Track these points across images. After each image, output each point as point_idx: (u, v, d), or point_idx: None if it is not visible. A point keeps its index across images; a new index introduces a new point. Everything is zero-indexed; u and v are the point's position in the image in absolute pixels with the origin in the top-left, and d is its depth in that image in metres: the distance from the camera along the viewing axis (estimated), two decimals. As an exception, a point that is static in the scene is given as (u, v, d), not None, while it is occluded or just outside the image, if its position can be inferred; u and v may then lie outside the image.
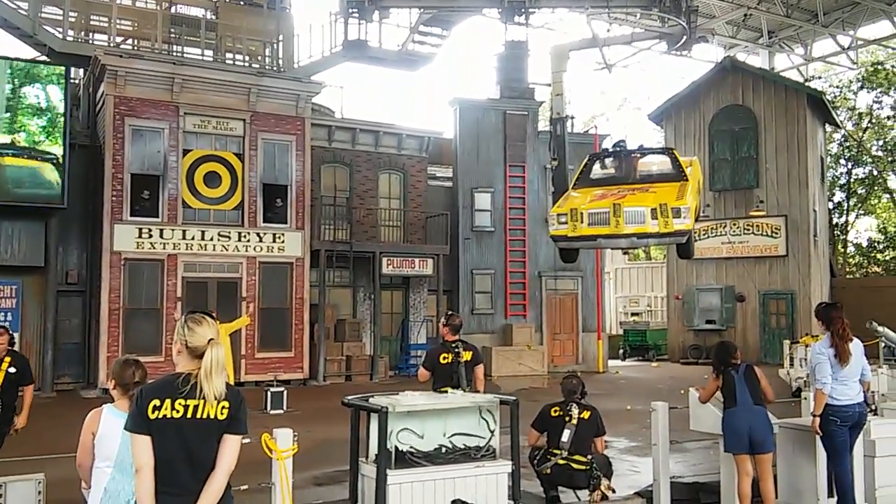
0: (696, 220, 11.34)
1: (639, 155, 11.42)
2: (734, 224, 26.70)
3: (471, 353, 7.07)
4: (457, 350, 6.96)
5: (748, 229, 26.47)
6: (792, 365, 17.44)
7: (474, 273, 22.88)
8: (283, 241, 18.93)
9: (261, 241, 18.68)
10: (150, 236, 17.42)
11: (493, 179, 23.38)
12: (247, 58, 21.32)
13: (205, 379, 3.11)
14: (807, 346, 15.32)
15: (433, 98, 51.63)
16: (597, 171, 11.71)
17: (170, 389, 3.10)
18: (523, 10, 21.37)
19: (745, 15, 30.32)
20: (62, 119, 16.89)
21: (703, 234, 27.19)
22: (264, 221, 18.85)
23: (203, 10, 21.33)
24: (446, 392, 6.16)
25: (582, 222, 10.53)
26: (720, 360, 6.50)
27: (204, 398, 3.09)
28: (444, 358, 6.97)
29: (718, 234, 27.01)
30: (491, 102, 24.19)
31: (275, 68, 21.32)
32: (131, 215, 17.33)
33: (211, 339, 3.17)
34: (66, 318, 17.55)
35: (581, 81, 53.45)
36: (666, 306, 29.30)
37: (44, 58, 18.38)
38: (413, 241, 21.64)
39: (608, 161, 11.72)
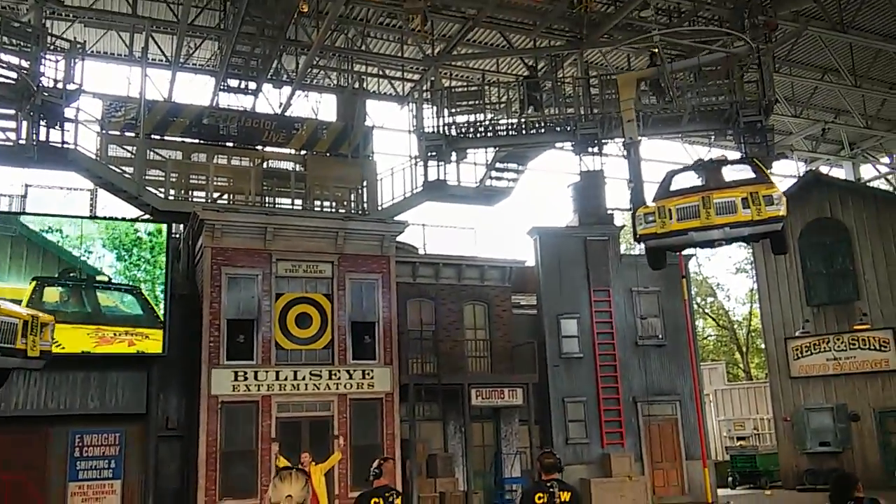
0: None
1: (719, 165, 11.34)
2: (838, 339, 25.47)
3: (569, 493, 6.73)
4: (552, 490, 6.72)
5: (853, 344, 25.17)
6: (922, 488, 15.98)
7: (566, 401, 22.34)
8: (372, 378, 19.13)
9: (351, 378, 18.94)
10: (246, 379, 17.94)
11: (578, 305, 23.24)
12: (333, 203, 22.47)
13: None
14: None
15: (512, 228, 52.60)
16: (677, 184, 11.63)
17: None
18: (595, 142, 22.05)
19: (824, 129, 30.19)
20: (164, 273, 17.99)
21: (806, 352, 26.02)
22: (354, 358, 19.16)
23: (292, 163, 22.80)
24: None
25: (671, 218, 10.37)
26: (839, 498, 5.71)
27: None
28: (539, 498, 6.72)
29: (822, 350, 25.77)
30: (570, 230, 24.47)
31: (360, 211, 22.34)
32: (227, 359, 17.95)
33: (288, 496, 3.45)
34: (165, 463, 17.95)
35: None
36: (774, 428, 27.65)
37: (147, 216, 19.84)
38: (501, 371, 21.47)
39: (687, 175, 11.68)
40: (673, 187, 11.63)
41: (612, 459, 21.52)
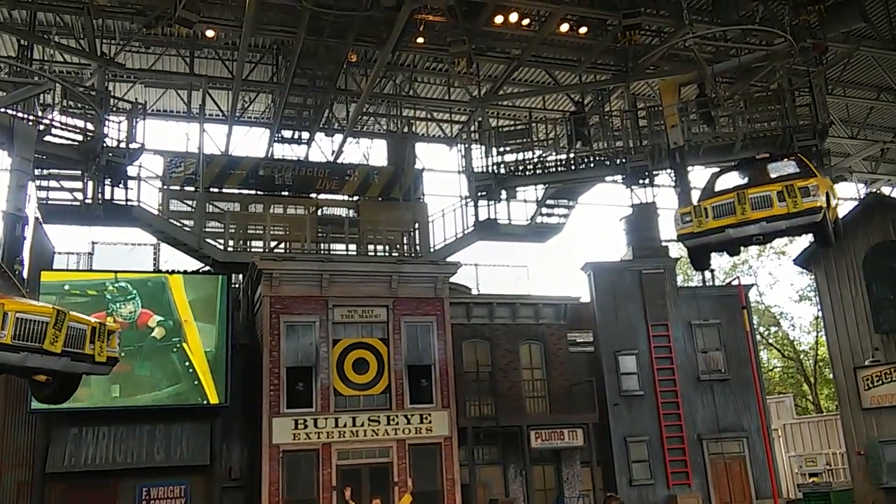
0: (834, 214, 11.16)
1: (762, 161, 11.46)
2: (911, 367, 24.40)
3: None
4: None
5: (928, 372, 24.08)
6: None
7: (628, 441, 21.87)
8: (430, 422, 19.06)
9: (409, 422, 18.90)
10: (306, 427, 18.06)
11: (636, 341, 22.85)
12: (386, 247, 22.69)
13: None
14: None
15: (565, 264, 52.42)
16: (721, 184, 11.75)
17: None
18: (646, 173, 21.84)
19: (882, 150, 29.40)
20: (225, 323, 18.34)
21: (878, 381, 24.99)
22: (411, 403, 19.14)
23: (346, 209, 23.15)
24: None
25: (707, 217, 10.67)
26: None
27: None
28: None
29: (893, 379, 24.72)
30: (625, 264, 24.16)
31: (412, 254, 22.50)
32: (287, 408, 18.11)
33: None
34: (230, 514, 18.13)
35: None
36: (848, 463, 26.54)
37: (207, 268, 20.31)
38: (559, 411, 21.14)
39: (732, 175, 11.81)
40: (718, 188, 11.77)
41: (678, 501, 20.95)
